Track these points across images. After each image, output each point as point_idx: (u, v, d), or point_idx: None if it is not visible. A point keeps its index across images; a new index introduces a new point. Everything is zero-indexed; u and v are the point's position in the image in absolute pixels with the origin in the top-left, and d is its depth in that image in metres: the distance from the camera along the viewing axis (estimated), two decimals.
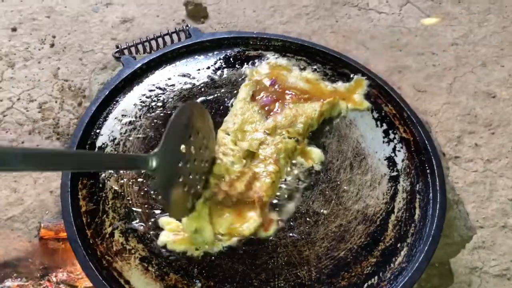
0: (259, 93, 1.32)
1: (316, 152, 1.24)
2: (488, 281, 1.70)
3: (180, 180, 0.98)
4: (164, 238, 1.08)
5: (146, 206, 1.13)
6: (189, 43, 1.47)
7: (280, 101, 1.31)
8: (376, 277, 1.05)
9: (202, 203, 1.08)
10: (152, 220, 1.11)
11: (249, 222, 1.08)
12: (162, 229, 1.09)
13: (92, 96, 1.46)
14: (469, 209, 1.86)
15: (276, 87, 1.34)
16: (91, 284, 1.47)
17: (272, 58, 1.44)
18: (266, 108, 1.28)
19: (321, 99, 1.32)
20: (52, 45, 2.34)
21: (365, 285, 1.04)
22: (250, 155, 1.17)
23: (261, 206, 1.09)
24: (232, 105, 1.31)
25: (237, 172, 1.13)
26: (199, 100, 1.34)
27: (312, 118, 1.27)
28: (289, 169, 1.20)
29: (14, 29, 2.39)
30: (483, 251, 1.77)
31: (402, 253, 1.09)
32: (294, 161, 1.22)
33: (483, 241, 1.79)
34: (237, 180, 1.12)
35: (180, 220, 1.08)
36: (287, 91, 1.33)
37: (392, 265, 1.07)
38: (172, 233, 1.08)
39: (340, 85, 1.39)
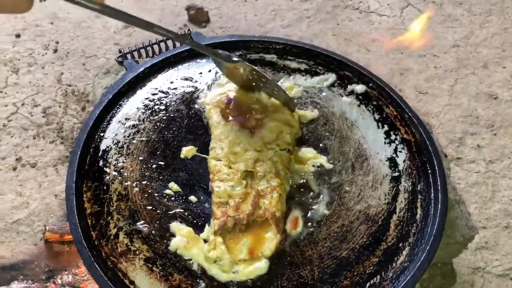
0: (227, 114, 1.29)
1: (309, 151, 1.25)
2: (491, 281, 1.70)
3: None
4: (176, 243, 1.08)
5: (150, 207, 1.14)
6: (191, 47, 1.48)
7: (251, 115, 1.29)
8: (378, 277, 1.06)
9: (213, 235, 1.08)
10: (157, 221, 1.12)
11: (268, 242, 1.08)
12: (166, 230, 1.11)
13: (96, 100, 1.48)
14: (472, 210, 1.87)
15: (232, 103, 1.32)
16: (96, 286, 1.49)
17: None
18: (245, 126, 1.26)
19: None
20: (55, 51, 2.36)
21: (368, 284, 1.05)
22: (249, 175, 1.17)
23: (276, 222, 1.09)
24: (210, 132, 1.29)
25: (240, 194, 1.13)
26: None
27: (295, 126, 1.28)
28: (289, 177, 1.20)
29: (18, 35, 2.42)
30: (486, 251, 1.78)
31: (404, 252, 1.10)
32: (291, 170, 1.22)
33: (486, 242, 1.80)
34: (242, 202, 1.12)
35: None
36: (250, 106, 1.31)
37: (394, 264, 1.08)
38: (184, 239, 1.09)
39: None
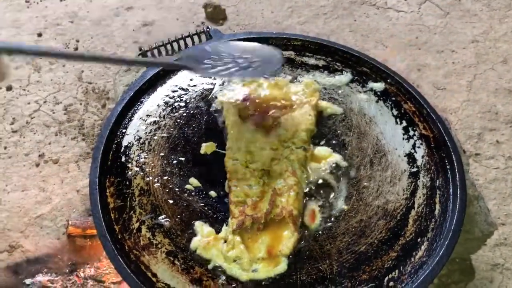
0: (244, 112, 1.31)
1: (324, 150, 1.26)
2: (510, 277, 1.69)
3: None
4: (196, 243, 1.10)
5: (171, 202, 1.17)
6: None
7: (267, 114, 1.30)
8: (396, 271, 1.07)
9: (232, 233, 1.09)
10: (178, 216, 1.15)
11: (286, 240, 1.09)
12: (188, 225, 1.13)
13: (117, 97, 1.51)
14: (491, 206, 1.85)
15: (249, 101, 1.33)
16: (117, 279, 1.53)
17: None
18: (261, 125, 1.28)
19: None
20: (76, 49, 2.40)
21: (386, 278, 1.06)
22: (266, 174, 1.19)
23: (293, 220, 1.10)
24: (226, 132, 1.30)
25: (258, 193, 1.14)
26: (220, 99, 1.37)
27: (311, 123, 1.28)
28: (305, 176, 1.21)
29: (39, 35, 2.46)
30: (505, 248, 1.76)
31: (423, 247, 1.10)
32: (308, 168, 1.23)
33: (505, 238, 1.79)
34: (259, 201, 1.13)
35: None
36: (267, 104, 1.32)
37: (412, 259, 1.09)
38: (204, 238, 1.10)
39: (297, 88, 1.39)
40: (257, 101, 1.33)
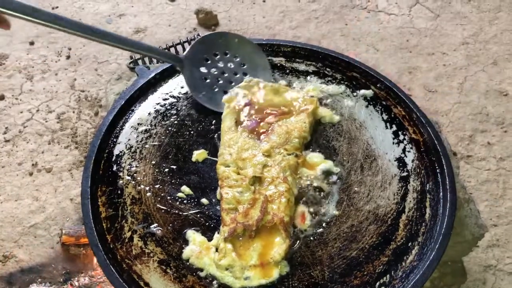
0: (240, 118, 1.32)
1: (316, 156, 1.27)
2: (503, 278, 1.70)
3: (207, 81, 1.38)
4: (188, 252, 1.11)
5: (163, 211, 1.17)
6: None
7: (264, 121, 1.31)
8: (388, 276, 1.07)
9: (223, 241, 1.09)
10: (170, 224, 1.15)
11: (278, 247, 1.09)
12: (180, 233, 1.13)
13: (109, 106, 1.51)
14: (482, 208, 1.87)
15: (250, 106, 1.34)
16: None
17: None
18: (255, 132, 1.29)
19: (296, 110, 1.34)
20: (68, 57, 2.41)
21: (378, 283, 1.06)
22: (257, 181, 1.19)
23: (284, 227, 1.11)
24: (219, 138, 1.31)
25: (249, 200, 1.15)
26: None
27: (305, 131, 1.29)
28: (297, 182, 1.22)
29: (31, 43, 2.47)
30: (497, 249, 1.78)
31: (414, 251, 1.11)
32: (300, 174, 1.24)
33: (497, 239, 1.80)
34: (251, 208, 1.13)
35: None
36: (265, 110, 1.33)
37: (403, 263, 1.09)
38: (197, 247, 1.11)
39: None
40: (256, 107, 1.34)
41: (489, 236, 1.79)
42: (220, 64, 1.41)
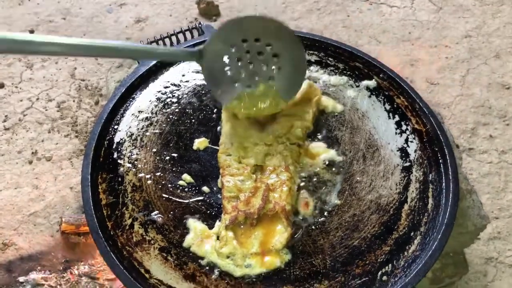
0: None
1: (318, 146, 1.26)
2: (504, 271, 1.70)
3: (228, 73, 1.17)
4: (189, 240, 1.10)
5: (164, 198, 1.17)
6: (203, 39, 1.49)
7: None
8: (390, 265, 1.07)
9: (224, 229, 1.09)
10: (171, 212, 1.14)
11: (279, 235, 1.09)
12: (180, 221, 1.13)
13: (109, 95, 1.50)
14: (484, 200, 1.86)
15: None
16: (112, 276, 1.52)
17: None
18: (256, 120, 1.27)
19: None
20: None
21: (379, 272, 1.06)
22: (259, 169, 1.18)
23: (286, 216, 1.10)
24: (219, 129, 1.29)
25: (251, 189, 1.14)
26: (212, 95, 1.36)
27: (308, 120, 1.28)
28: (299, 171, 1.21)
29: (31, 31, 2.45)
30: (499, 241, 1.77)
31: (416, 241, 1.10)
32: (302, 164, 1.23)
33: (498, 232, 1.79)
34: (252, 196, 1.13)
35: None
36: None
37: (405, 253, 1.09)
38: (198, 236, 1.10)
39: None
40: None
41: (491, 229, 1.78)
42: (248, 54, 1.16)
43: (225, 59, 1.17)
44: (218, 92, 1.20)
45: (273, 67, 1.19)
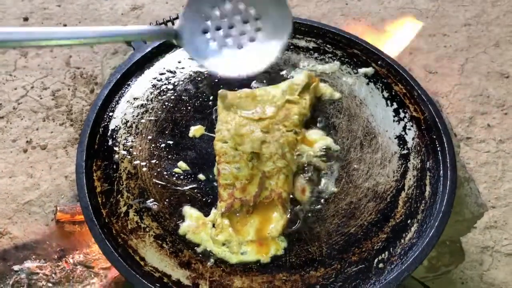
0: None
1: (315, 133, 1.25)
2: (500, 260, 1.70)
3: (212, 43, 1.08)
4: (185, 228, 1.09)
5: (159, 186, 1.15)
6: None
7: None
8: (386, 253, 1.06)
9: (220, 216, 1.08)
10: (166, 199, 1.13)
11: (275, 223, 1.08)
12: (176, 208, 1.12)
13: (105, 81, 1.48)
14: (481, 190, 1.86)
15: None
16: (107, 265, 1.52)
17: None
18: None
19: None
20: None
21: (376, 260, 1.05)
22: (255, 157, 1.17)
23: (282, 203, 1.09)
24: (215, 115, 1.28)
25: (247, 176, 1.13)
26: (208, 82, 1.35)
27: (305, 107, 1.26)
28: (295, 159, 1.20)
29: (26, 19, 2.42)
30: (495, 230, 1.77)
31: (413, 229, 1.10)
32: (298, 151, 1.22)
33: (495, 221, 1.79)
34: (248, 184, 1.11)
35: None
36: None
37: (402, 240, 1.08)
38: (193, 223, 1.09)
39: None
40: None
41: (487, 218, 1.78)
42: (226, 19, 1.08)
43: (206, 31, 1.09)
44: (205, 63, 1.10)
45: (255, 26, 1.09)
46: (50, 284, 1.50)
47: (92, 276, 1.50)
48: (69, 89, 2.11)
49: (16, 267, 1.54)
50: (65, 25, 2.40)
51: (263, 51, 1.09)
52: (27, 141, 1.93)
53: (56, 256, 1.57)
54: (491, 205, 1.83)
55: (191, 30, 1.08)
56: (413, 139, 1.26)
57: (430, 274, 1.44)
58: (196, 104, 1.31)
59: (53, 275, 1.51)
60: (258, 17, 1.09)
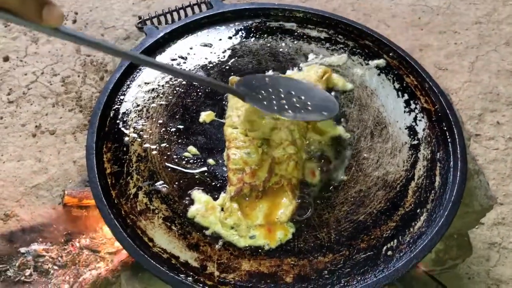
0: None
1: (326, 122, 1.24)
2: (507, 256, 1.69)
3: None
4: (194, 211, 1.09)
5: (169, 169, 1.16)
6: (211, 13, 1.48)
7: None
8: (395, 241, 1.06)
9: (229, 200, 1.08)
10: (176, 182, 1.13)
11: (284, 208, 1.08)
12: (185, 191, 1.12)
13: (116, 66, 1.48)
14: (489, 186, 1.85)
15: None
16: (113, 249, 1.52)
17: None
18: None
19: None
20: (74, 21, 2.37)
21: (384, 247, 1.05)
22: (265, 142, 1.17)
23: (291, 189, 1.09)
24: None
25: (256, 161, 1.13)
26: (219, 69, 1.35)
27: None
28: (305, 146, 1.20)
29: None
30: (503, 227, 1.76)
31: (422, 218, 1.09)
32: (309, 139, 1.22)
33: (503, 218, 1.78)
34: (258, 169, 1.11)
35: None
36: None
37: (411, 229, 1.08)
38: (202, 206, 1.10)
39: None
40: None
41: (495, 214, 1.77)
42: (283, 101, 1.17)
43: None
44: (246, 94, 1.14)
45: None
46: (56, 267, 1.50)
47: (98, 260, 1.50)
48: (79, 76, 2.12)
49: (22, 249, 1.54)
50: (76, 13, 2.40)
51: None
52: (36, 126, 1.93)
53: (62, 240, 1.57)
54: (500, 202, 1.82)
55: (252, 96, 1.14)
56: (423, 130, 1.25)
57: (437, 268, 1.43)
58: (207, 90, 1.32)
59: (59, 258, 1.52)
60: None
